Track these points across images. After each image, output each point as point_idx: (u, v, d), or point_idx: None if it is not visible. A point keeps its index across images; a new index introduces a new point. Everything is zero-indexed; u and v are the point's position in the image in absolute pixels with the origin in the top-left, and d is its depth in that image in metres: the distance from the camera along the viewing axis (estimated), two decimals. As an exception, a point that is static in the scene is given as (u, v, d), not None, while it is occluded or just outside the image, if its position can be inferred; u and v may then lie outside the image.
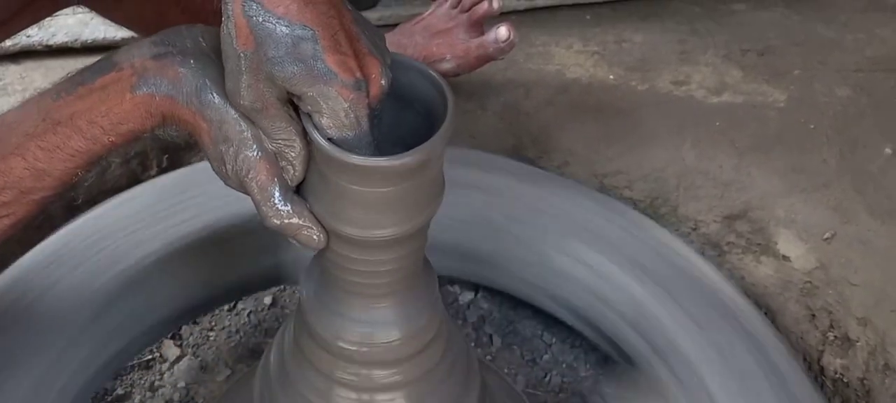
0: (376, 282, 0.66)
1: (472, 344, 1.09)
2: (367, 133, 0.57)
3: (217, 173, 0.60)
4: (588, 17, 1.38)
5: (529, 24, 1.34)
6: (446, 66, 1.04)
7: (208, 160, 0.60)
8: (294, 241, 0.60)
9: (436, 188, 0.62)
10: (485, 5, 1.05)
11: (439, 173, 0.62)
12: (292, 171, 0.58)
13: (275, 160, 0.58)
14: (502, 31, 1.01)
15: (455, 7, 1.08)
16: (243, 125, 0.56)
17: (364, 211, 0.59)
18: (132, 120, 0.58)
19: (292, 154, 0.58)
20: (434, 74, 0.61)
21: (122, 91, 0.58)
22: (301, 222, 0.59)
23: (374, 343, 0.68)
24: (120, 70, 0.58)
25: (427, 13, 1.11)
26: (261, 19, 0.53)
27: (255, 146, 0.57)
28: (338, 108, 0.55)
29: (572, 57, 1.28)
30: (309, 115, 0.57)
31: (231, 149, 0.57)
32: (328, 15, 0.55)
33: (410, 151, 0.57)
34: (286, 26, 0.54)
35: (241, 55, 0.54)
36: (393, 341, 0.68)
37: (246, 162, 0.57)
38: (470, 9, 1.06)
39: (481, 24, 1.07)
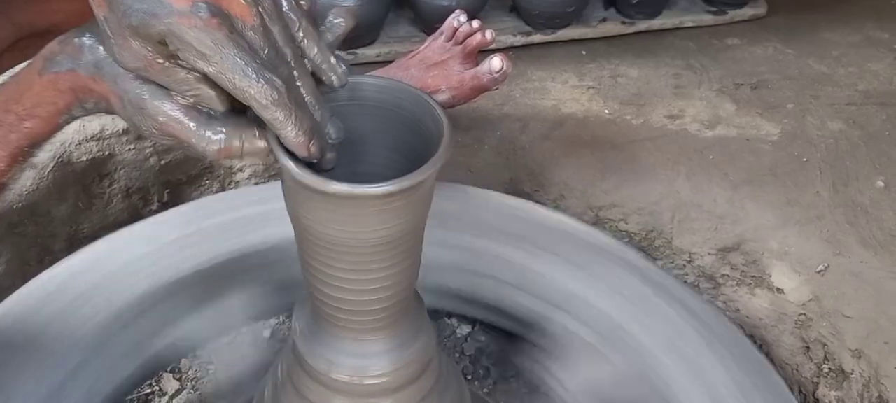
0: (367, 312, 0.66)
1: (469, 378, 1.09)
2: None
3: (138, 132, 0.57)
4: (584, 52, 1.39)
5: (526, 60, 1.35)
6: (442, 97, 1.06)
7: (126, 122, 0.57)
8: (246, 160, 0.57)
9: (426, 204, 0.62)
10: (478, 37, 1.06)
11: (430, 191, 0.62)
12: (218, 108, 0.54)
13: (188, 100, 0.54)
14: (496, 62, 1.02)
15: (449, 40, 1.09)
16: (139, 83, 0.54)
17: (352, 225, 0.59)
18: (45, 101, 0.58)
19: (205, 98, 0.53)
20: (429, 99, 0.61)
21: (32, 74, 0.58)
22: (241, 143, 0.54)
23: (367, 375, 0.68)
24: (31, 61, 0.59)
25: (422, 47, 1.12)
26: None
27: (158, 98, 0.54)
28: (200, 43, 0.49)
29: (568, 92, 1.29)
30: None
31: (139, 108, 0.54)
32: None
33: (407, 175, 0.56)
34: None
35: (103, 20, 0.52)
36: (385, 372, 0.68)
37: (156, 112, 0.54)
38: (464, 41, 1.07)
39: (475, 56, 1.08)
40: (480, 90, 1.06)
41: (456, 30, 1.08)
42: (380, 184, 0.55)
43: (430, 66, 1.08)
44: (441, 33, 1.10)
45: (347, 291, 0.63)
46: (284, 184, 0.60)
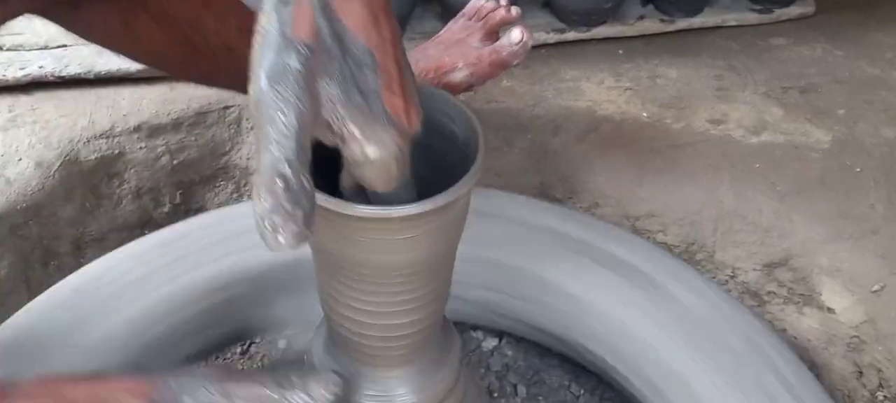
0: (392, 338, 0.61)
1: (495, 395, 1.03)
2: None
3: None
4: (620, 51, 1.33)
5: (559, 59, 1.30)
6: (459, 75, 0.99)
7: None
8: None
9: (460, 222, 0.58)
10: (501, 12, 1.00)
11: (465, 209, 0.57)
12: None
13: None
14: (515, 34, 0.95)
15: (471, 18, 1.03)
16: None
17: (378, 251, 0.54)
18: None
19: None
20: (462, 106, 0.56)
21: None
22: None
23: None
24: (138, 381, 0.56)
25: (443, 31, 1.06)
26: (327, 19, 0.48)
27: None
28: (388, 158, 0.49)
29: (603, 93, 1.23)
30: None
31: None
32: (390, 41, 0.50)
33: (441, 194, 0.51)
34: (352, 41, 0.49)
35: (297, 46, 0.47)
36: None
37: None
38: (486, 16, 1.01)
39: (497, 33, 1.02)
40: (500, 66, 0.99)
41: (478, 8, 1.02)
42: (409, 206, 0.50)
43: (448, 45, 1.02)
44: (463, 14, 1.05)
45: (371, 316, 0.59)
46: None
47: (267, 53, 0.46)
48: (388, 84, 0.50)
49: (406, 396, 0.63)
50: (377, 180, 0.50)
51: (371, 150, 0.49)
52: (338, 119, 0.48)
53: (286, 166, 0.44)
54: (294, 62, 0.46)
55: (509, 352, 1.09)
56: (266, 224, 0.43)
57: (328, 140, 0.49)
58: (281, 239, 0.43)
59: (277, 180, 0.44)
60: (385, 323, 0.59)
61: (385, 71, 0.50)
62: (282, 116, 0.45)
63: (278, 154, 0.44)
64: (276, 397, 0.54)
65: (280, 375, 0.56)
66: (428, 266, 0.56)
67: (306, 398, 0.54)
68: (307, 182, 0.45)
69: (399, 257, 0.54)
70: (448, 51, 1.02)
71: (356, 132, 0.48)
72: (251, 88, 0.46)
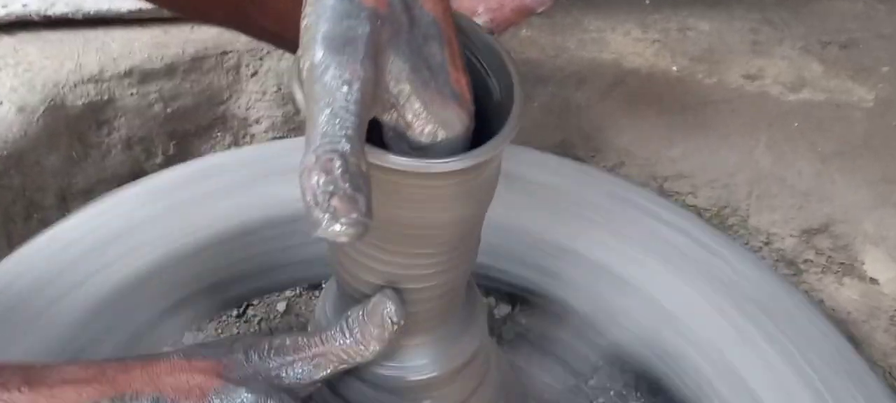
0: (417, 311, 0.55)
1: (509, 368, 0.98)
2: None
3: None
4: (647, 1, 1.25)
5: (582, 8, 1.22)
6: (479, 21, 0.91)
7: None
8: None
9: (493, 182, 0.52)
10: None
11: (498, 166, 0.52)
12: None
13: None
14: None
15: None
16: None
17: (408, 208, 0.49)
18: None
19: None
20: (501, 48, 0.50)
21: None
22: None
23: (405, 381, 0.59)
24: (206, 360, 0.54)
25: None
26: None
27: None
28: (455, 140, 0.46)
29: (630, 45, 1.16)
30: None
31: None
32: (447, 9, 0.46)
33: (474, 151, 0.46)
34: (420, 10, 0.44)
35: (368, 12, 0.42)
36: (426, 378, 0.59)
37: None
38: None
39: None
40: (523, 13, 0.91)
41: None
42: (451, 159, 0.45)
43: None
44: None
45: (395, 279, 0.53)
46: None
47: (330, 16, 0.41)
48: (452, 58, 0.46)
49: (425, 368, 0.58)
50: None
51: (441, 132, 0.45)
52: (403, 97, 0.44)
53: (346, 143, 0.38)
54: (363, 29, 0.41)
55: (523, 321, 1.04)
56: (322, 209, 0.37)
57: (388, 119, 0.45)
58: (339, 226, 0.37)
59: (335, 158, 0.37)
60: (411, 287, 0.53)
61: (448, 43, 0.45)
62: (345, 90, 0.39)
63: (338, 130, 0.38)
64: (349, 342, 0.53)
65: (340, 325, 0.54)
66: (465, 224, 0.51)
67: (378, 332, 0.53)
68: (366, 165, 0.39)
69: (437, 215, 0.49)
70: None
71: (423, 112, 0.44)
72: (307, 53, 0.41)
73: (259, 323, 1.01)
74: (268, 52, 1.07)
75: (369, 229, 0.38)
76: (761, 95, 1.08)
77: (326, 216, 0.37)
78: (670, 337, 0.82)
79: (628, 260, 0.85)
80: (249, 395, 0.51)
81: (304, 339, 0.54)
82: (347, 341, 0.52)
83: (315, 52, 0.40)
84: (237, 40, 1.06)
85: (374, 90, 0.41)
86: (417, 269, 0.52)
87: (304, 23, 0.42)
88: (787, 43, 1.17)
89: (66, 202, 1.01)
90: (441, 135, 0.45)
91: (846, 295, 0.97)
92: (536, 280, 0.90)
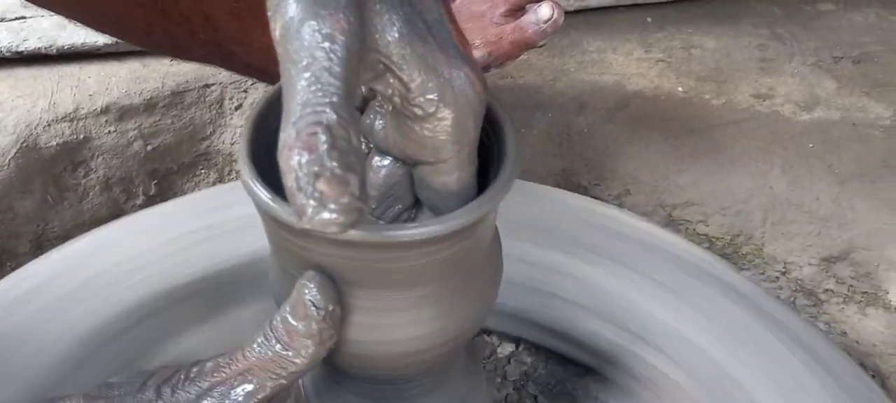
0: (396, 373, 0.49)
1: None
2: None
3: None
4: (649, 19, 1.22)
5: (581, 28, 1.19)
6: (476, 54, 0.87)
7: None
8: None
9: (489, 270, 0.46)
10: None
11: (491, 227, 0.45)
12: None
13: None
14: (545, 10, 0.82)
15: None
16: None
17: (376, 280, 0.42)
18: None
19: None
20: (492, 100, 0.44)
21: None
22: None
23: None
24: None
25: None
26: None
27: None
28: (465, 109, 0.38)
29: (633, 65, 1.12)
30: None
31: None
32: None
33: (458, 211, 0.39)
34: None
35: None
36: None
37: None
38: None
39: (523, 7, 0.89)
40: (522, 46, 0.87)
41: None
42: (414, 226, 0.38)
43: (467, 16, 0.90)
44: None
45: (367, 347, 0.46)
46: (268, 226, 0.43)
47: None
48: (449, 14, 0.39)
49: None
50: (447, 143, 0.39)
51: (448, 97, 0.37)
52: (396, 54, 0.37)
53: (331, 112, 0.32)
54: None
55: (528, 359, 0.98)
56: (307, 192, 0.31)
57: (382, 89, 0.38)
58: (328, 214, 0.31)
59: (319, 132, 0.31)
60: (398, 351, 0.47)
61: (448, 7, 0.39)
62: (327, 46, 0.33)
63: (320, 96, 0.32)
64: (277, 349, 0.43)
65: (263, 330, 0.44)
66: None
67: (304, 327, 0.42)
68: (356, 137, 0.32)
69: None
70: (465, 24, 0.89)
71: (422, 69, 0.37)
72: (278, 12, 0.35)
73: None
74: (252, 84, 1.04)
75: (365, 215, 0.32)
76: (773, 115, 1.04)
77: (312, 202, 0.31)
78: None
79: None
80: None
81: (225, 358, 0.45)
82: (275, 348, 0.43)
83: (288, 6, 0.34)
84: (220, 73, 1.02)
85: (360, 47, 0.35)
86: (392, 338, 0.45)
87: None
88: (797, 59, 1.14)
89: (42, 249, 0.96)
90: (448, 100, 0.38)
91: (871, 326, 0.92)
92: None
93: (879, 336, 0.91)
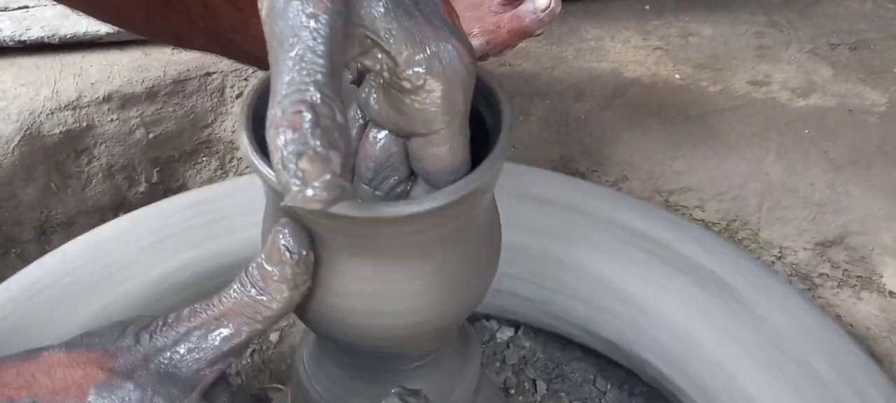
0: (393, 351, 0.50)
1: (513, 392, 0.95)
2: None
3: None
4: (647, 7, 1.22)
5: (579, 16, 1.18)
6: (473, 43, 0.87)
7: None
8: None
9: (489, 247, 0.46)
10: None
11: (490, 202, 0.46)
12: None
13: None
14: None
15: None
16: None
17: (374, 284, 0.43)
18: None
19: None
20: (486, 75, 0.45)
21: None
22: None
23: None
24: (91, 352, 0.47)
25: None
26: None
27: None
28: (454, 81, 0.39)
29: (630, 53, 1.12)
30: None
31: None
32: None
33: (452, 186, 0.40)
34: None
35: None
36: None
37: None
38: None
39: None
40: (520, 35, 0.87)
41: None
42: (408, 203, 0.39)
43: (464, 6, 0.90)
44: None
45: (369, 317, 0.47)
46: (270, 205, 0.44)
47: None
48: None
49: None
50: (437, 115, 0.39)
51: (436, 69, 0.38)
52: (385, 33, 0.37)
53: (315, 91, 0.33)
54: None
55: (527, 344, 1.00)
56: (290, 170, 0.32)
57: (371, 64, 0.39)
58: (311, 191, 0.32)
59: (303, 111, 0.32)
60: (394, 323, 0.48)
61: None
62: (311, 25, 0.34)
63: (304, 75, 0.33)
64: (252, 294, 0.44)
65: (239, 277, 0.45)
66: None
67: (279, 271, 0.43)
68: (341, 114, 0.33)
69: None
70: (463, 14, 0.90)
71: (408, 42, 0.38)
72: None
73: (252, 354, 0.98)
74: (253, 73, 1.04)
75: (348, 191, 0.33)
76: (769, 102, 1.04)
77: (295, 181, 0.32)
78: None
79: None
80: (135, 391, 0.45)
81: (202, 304, 0.47)
82: (250, 293, 0.44)
83: None
84: (221, 61, 1.03)
85: (343, 23, 0.35)
86: (401, 302, 0.46)
87: None
88: (794, 46, 1.14)
89: (46, 236, 0.98)
90: (436, 73, 0.38)
91: (865, 309, 0.93)
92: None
93: (873, 320, 0.92)
